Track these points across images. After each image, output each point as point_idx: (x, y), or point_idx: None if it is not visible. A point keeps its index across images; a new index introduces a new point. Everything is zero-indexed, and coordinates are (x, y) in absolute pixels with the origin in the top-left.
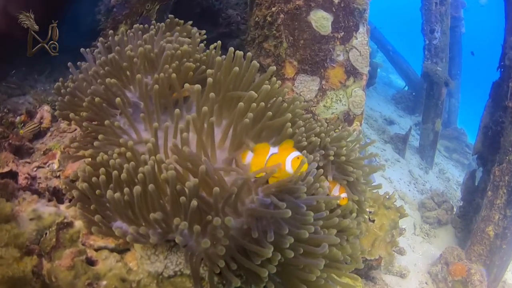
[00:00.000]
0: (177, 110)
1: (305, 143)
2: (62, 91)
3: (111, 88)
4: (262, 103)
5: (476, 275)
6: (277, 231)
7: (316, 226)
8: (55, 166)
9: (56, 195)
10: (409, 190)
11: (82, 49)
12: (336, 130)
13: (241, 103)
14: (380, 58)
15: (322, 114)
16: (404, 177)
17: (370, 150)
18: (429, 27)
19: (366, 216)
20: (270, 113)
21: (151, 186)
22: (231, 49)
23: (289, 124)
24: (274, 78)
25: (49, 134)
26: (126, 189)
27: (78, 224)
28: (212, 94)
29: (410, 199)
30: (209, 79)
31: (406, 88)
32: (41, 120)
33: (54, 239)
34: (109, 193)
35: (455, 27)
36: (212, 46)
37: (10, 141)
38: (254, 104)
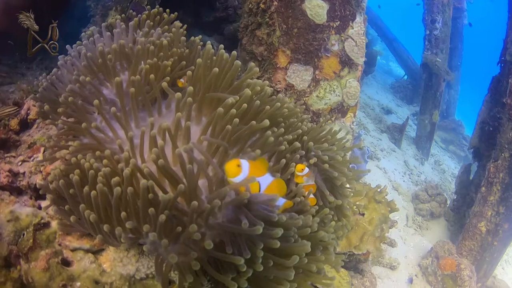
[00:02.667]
0: (151, 119)
1: (283, 147)
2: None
3: (86, 85)
4: (244, 105)
5: (465, 270)
6: (249, 245)
7: (289, 235)
8: (40, 159)
9: (38, 192)
10: (404, 181)
11: (67, 46)
12: (321, 129)
13: (220, 109)
14: (380, 46)
15: (315, 104)
16: (399, 168)
17: (366, 139)
18: (430, 17)
19: (349, 220)
20: (254, 122)
21: (129, 189)
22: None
23: (269, 133)
24: (254, 80)
25: (35, 126)
26: (102, 188)
27: (55, 224)
28: (190, 99)
29: (404, 190)
30: (190, 88)
31: (406, 77)
32: (28, 111)
33: (31, 240)
34: (85, 190)
35: (457, 18)
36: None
37: None
38: (234, 110)
